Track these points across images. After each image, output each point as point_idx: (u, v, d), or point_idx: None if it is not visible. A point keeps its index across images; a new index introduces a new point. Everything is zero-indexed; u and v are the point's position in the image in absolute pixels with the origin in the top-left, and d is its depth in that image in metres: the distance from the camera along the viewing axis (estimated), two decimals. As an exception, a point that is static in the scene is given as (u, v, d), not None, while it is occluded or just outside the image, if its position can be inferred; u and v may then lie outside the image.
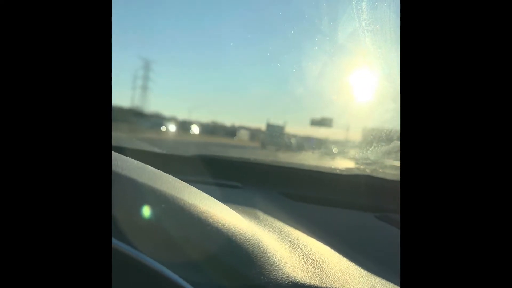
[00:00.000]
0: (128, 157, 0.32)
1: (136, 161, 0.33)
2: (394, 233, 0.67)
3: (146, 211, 0.28)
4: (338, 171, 1.00)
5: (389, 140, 1.02)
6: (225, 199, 0.39)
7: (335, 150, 1.18)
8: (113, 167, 0.28)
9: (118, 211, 0.27)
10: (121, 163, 0.30)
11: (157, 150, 1.09)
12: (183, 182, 0.34)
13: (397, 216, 0.74)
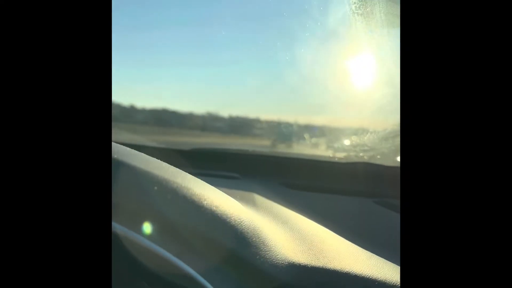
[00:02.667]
0: (120, 144, 0.33)
1: (128, 148, 0.33)
2: (392, 217, 0.68)
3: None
4: (336, 159, 1.01)
5: (385, 126, 1.03)
6: (224, 189, 0.40)
7: (346, 142, 1.18)
8: None
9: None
10: (113, 148, 0.30)
11: (154, 144, 1.10)
12: (177, 168, 0.35)
13: (395, 201, 0.75)
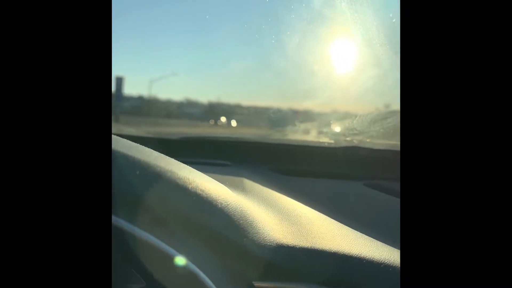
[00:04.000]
0: None
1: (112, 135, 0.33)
2: (383, 199, 0.70)
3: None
4: (326, 144, 1.02)
5: (373, 108, 1.04)
6: (214, 176, 0.40)
7: (335, 126, 1.19)
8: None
9: None
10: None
11: (142, 134, 1.09)
12: (160, 153, 0.34)
13: (385, 183, 0.77)
